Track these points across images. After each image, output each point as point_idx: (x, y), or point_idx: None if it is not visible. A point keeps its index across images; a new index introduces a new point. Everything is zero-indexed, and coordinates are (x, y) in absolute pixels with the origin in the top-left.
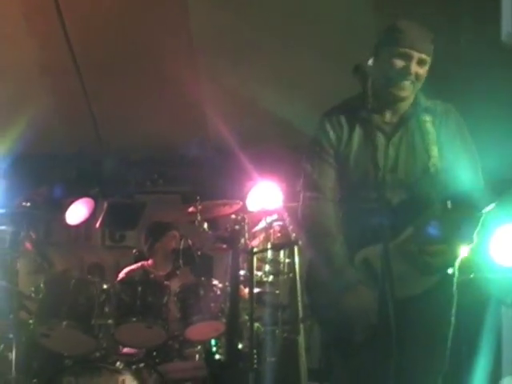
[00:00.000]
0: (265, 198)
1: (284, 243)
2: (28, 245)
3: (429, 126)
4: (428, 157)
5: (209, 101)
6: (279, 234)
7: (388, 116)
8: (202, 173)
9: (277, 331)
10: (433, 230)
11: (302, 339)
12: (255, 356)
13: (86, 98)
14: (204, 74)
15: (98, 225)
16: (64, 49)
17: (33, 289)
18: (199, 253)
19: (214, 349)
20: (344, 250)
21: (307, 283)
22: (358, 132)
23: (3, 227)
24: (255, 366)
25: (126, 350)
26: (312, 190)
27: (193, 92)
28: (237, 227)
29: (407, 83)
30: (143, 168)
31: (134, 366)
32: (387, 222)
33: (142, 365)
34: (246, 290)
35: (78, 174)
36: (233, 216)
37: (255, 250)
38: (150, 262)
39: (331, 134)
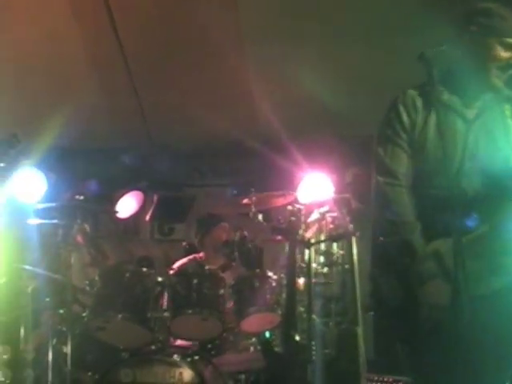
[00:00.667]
0: (315, 189)
1: (341, 234)
2: (80, 238)
3: (509, 116)
4: (510, 147)
5: (259, 92)
6: (332, 226)
7: (468, 102)
8: (252, 165)
9: (330, 323)
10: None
11: (360, 330)
12: (313, 348)
13: (134, 91)
14: (253, 65)
15: (147, 218)
16: (113, 43)
17: (87, 282)
18: (250, 245)
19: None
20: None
21: (373, 273)
22: (434, 117)
23: (55, 221)
24: (313, 357)
25: (179, 342)
26: (385, 175)
27: (242, 84)
28: (293, 218)
29: (505, 74)
30: (192, 161)
31: (189, 359)
32: (460, 215)
33: (197, 357)
34: (300, 281)
35: (127, 168)
36: (288, 207)
37: (312, 241)
38: (201, 254)
39: (405, 117)
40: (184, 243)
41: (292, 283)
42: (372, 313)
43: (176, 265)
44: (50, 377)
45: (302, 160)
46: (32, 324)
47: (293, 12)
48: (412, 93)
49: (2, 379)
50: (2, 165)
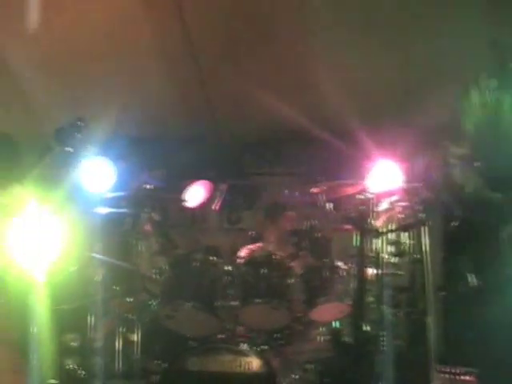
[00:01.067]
0: (385, 177)
1: (411, 224)
2: (148, 227)
3: None
4: None
5: (326, 80)
6: (401, 215)
7: None
8: (320, 153)
9: (399, 313)
10: None
11: (431, 320)
12: (382, 338)
13: (201, 80)
14: (320, 54)
15: (215, 207)
16: (180, 34)
17: (155, 270)
18: (318, 234)
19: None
20: None
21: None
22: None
23: (124, 210)
24: (383, 348)
25: (247, 331)
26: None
27: (309, 72)
28: (363, 207)
29: None
30: (260, 150)
31: (257, 348)
32: None
33: (265, 347)
34: (369, 271)
35: (195, 157)
36: (358, 196)
37: (382, 230)
38: (269, 243)
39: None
40: (251, 232)
41: (361, 273)
42: (443, 293)
43: (243, 251)
44: (118, 365)
45: (371, 148)
46: (101, 312)
47: (361, 2)
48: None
49: (72, 366)
50: (69, 149)
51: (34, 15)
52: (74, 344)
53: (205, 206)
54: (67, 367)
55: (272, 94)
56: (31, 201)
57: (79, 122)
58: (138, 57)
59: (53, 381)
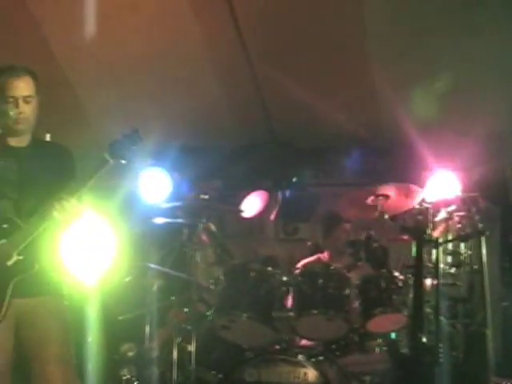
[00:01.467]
0: (442, 187)
1: (470, 234)
2: (205, 237)
3: None
4: None
5: (382, 90)
6: (459, 225)
7: None
8: (377, 163)
9: (457, 325)
10: None
11: (489, 332)
12: (440, 350)
13: (257, 88)
14: (376, 61)
15: (272, 217)
16: (234, 40)
17: (212, 281)
18: (375, 244)
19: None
20: None
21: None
22: None
23: (180, 220)
24: (441, 359)
25: (303, 342)
26: None
27: (364, 80)
28: (420, 217)
29: None
30: (316, 159)
31: (313, 359)
32: None
33: (321, 358)
34: (427, 282)
35: (250, 166)
36: (416, 206)
37: (440, 240)
38: (325, 254)
39: None
40: (309, 243)
41: (419, 283)
42: (506, 303)
43: (300, 264)
44: (174, 375)
45: (428, 158)
46: (157, 322)
47: (419, 9)
48: None
49: (128, 376)
50: (123, 162)
51: (90, 29)
52: (130, 354)
53: (261, 216)
54: (124, 377)
55: (329, 102)
56: (88, 213)
57: (134, 134)
58: (192, 67)
59: None
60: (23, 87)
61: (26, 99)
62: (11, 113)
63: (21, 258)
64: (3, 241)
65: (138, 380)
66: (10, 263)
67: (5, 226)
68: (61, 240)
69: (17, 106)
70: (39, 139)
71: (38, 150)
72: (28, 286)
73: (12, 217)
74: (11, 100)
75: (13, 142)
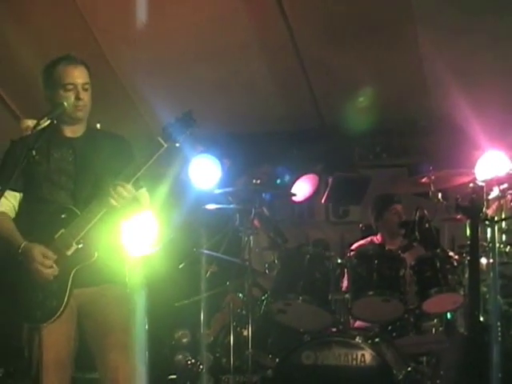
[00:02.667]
0: (493, 166)
1: None
2: (257, 222)
3: None
4: None
5: (431, 70)
6: None
7: None
8: (427, 143)
9: None
10: None
11: None
12: (499, 329)
13: (304, 73)
14: (425, 45)
15: (323, 201)
16: (281, 26)
17: (266, 265)
18: (427, 225)
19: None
20: None
21: None
22: None
23: (233, 205)
24: (499, 338)
25: (358, 324)
26: None
27: (413, 63)
28: (474, 196)
29: None
30: (365, 142)
31: (370, 341)
32: None
33: (377, 339)
34: (482, 261)
35: (300, 151)
36: (470, 185)
37: (494, 219)
38: (378, 236)
39: None
40: (361, 225)
41: (475, 262)
42: None
43: (354, 246)
44: (231, 360)
45: (478, 137)
46: (212, 308)
47: None
48: None
49: (188, 361)
50: (177, 145)
51: (136, 20)
52: (184, 340)
53: (312, 199)
54: (183, 362)
55: (375, 84)
56: (144, 200)
57: (187, 116)
58: (240, 54)
59: (172, 376)
60: (81, 75)
61: (84, 86)
62: (69, 103)
63: (80, 246)
64: (62, 230)
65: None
66: (69, 253)
67: (63, 215)
68: (119, 227)
69: (77, 92)
70: (94, 128)
71: (93, 139)
72: (88, 275)
73: (70, 206)
74: (71, 87)
75: (68, 132)
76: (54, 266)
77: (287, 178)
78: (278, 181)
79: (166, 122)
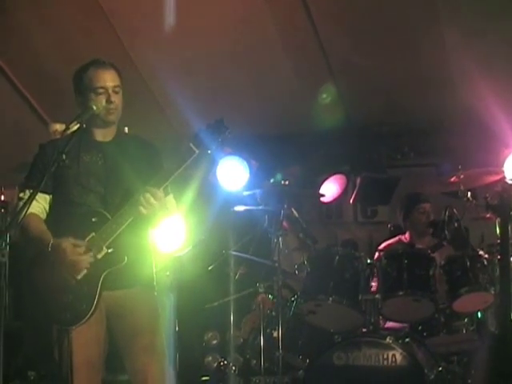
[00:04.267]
0: None
1: None
2: (286, 223)
3: None
4: None
5: (456, 70)
6: None
7: None
8: (455, 143)
9: None
10: None
11: None
12: None
13: (330, 74)
14: (450, 44)
15: (351, 201)
16: (307, 25)
17: (296, 266)
18: (456, 224)
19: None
20: None
21: None
22: None
23: (261, 207)
24: None
25: (388, 324)
26: None
27: (439, 62)
28: (504, 194)
29: None
30: (393, 142)
31: (400, 341)
32: None
33: (408, 339)
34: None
35: (327, 151)
36: (499, 184)
37: None
38: (406, 235)
39: None
40: (389, 225)
41: (506, 261)
42: None
43: (382, 246)
44: (261, 361)
45: (506, 135)
46: (242, 310)
47: None
48: None
49: (221, 362)
50: (209, 152)
51: (162, 23)
52: (214, 342)
53: (340, 200)
54: (213, 364)
55: (404, 83)
56: (171, 207)
57: (219, 124)
58: (265, 54)
59: (205, 377)
60: (112, 78)
61: (114, 89)
62: (98, 107)
63: (110, 250)
64: (92, 234)
65: (231, 366)
66: (99, 256)
67: (94, 219)
68: (149, 231)
69: (108, 96)
70: (124, 133)
71: (123, 144)
72: (118, 279)
73: (101, 210)
74: (102, 91)
75: (99, 136)
76: (86, 256)
77: (279, 176)
78: (272, 180)
79: (198, 128)
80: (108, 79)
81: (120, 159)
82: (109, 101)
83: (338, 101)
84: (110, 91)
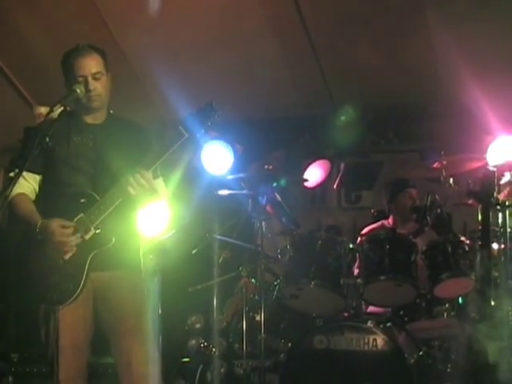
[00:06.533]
0: (505, 151)
1: None
2: (269, 208)
3: None
4: None
5: (441, 53)
6: None
7: None
8: (438, 129)
9: None
10: None
11: None
12: (510, 313)
13: (316, 58)
14: (435, 30)
15: (335, 186)
16: (293, 12)
17: (279, 250)
18: (439, 210)
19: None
20: None
21: None
22: None
23: (245, 191)
24: (511, 323)
25: (370, 309)
26: None
27: (424, 48)
28: (485, 181)
29: None
30: (377, 127)
31: (381, 325)
32: None
33: (389, 324)
34: (494, 246)
35: (312, 136)
36: (481, 170)
37: (506, 203)
38: (390, 220)
39: None
40: (372, 210)
41: (486, 247)
42: None
43: (365, 230)
44: (243, 345)
45: (490, 122)
46: (225, 293)
47: None
48: None
49: (202, 345)
50: (198, 135)
51: (151, 6)
52: (197, 325)
53: (324, 185)
54: (196, 347)
55: (389, 69)
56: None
57: (209, 108)
58: (252, 40)
59: (185, 359)
60: (91, 65)
61: (94, 76)
62: (81, 90)
63: (98, 231)
64: (81, 215)
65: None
66: (87, 237)
67: (82, 200)
68: (136, 214)
69: (87, 84)
70: (115, 116)
71: (113, 126)
72: (105, 260)
73: (89, 191)
74: (81, 79)
75: (88, 119)
76: (74, 237)
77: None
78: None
79: (186, 112)
80: (87, 67)
81: (110, 141)
82: (88, 89)
83: (323, 84)
84: (90, 79)
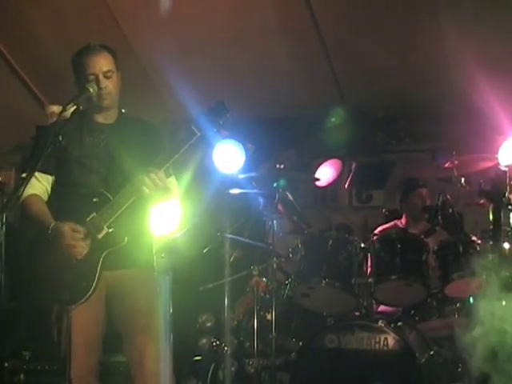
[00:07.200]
0: None
1: None
2: (280, 206)
3: None
4: None
5: (453, 56)
6: None
7: None
8: (450, 128)
9: None
10: None
11: None
12: None
13: (327, 57)
14: (447, 30)
15: (346, 185)
16: (304, 10)
17: (290, 249)
18: (450, 210)
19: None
20: None
21: None
22: None
23: (256, 190)
24: None
25: (381, 308)
26: None
27: (436, 48)
28: (497, 181)
29: None
30: (389, 126)
31: (392, 325)
32: None
33: (400, 323)
34: (505, 246)
35: (323, 136)
36: (493, 170)
37: None
38: (402, 220)
39: None
40: (384, 209)
41: (497, 247)
42: None
43: (377, 230)
44: (255, 343)
45: (501, 122)
46: (236, 292)
47: None
48: None
49: (213, 343)
50: (210, 134)
51: (163, 5)
52: (208, 324)
53: (335, 184)
54: (207, 345)
55: (401, 68)
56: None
57: (221, 106)
58: (262, 38)
59: (197, 357)
60: (102, 63)
61: (105, 74)
62: (94, 89)
63: (111, 230)
64: (93, 214)
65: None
66: (100, 236)
67: (95, 199)
68: (149, 212)
69: (98, 82)
70: (126, 115)
71: (125, 125)
72: (118, 259)
73: (102, 191)
74: (92, 78)
75: (100, 118)
76: (85, 241)
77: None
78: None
79: (198, 111)
80: (98, 65)
81: (122, 141)
82: (99, 87)
83: (335, 84)
84: (101, 77)
